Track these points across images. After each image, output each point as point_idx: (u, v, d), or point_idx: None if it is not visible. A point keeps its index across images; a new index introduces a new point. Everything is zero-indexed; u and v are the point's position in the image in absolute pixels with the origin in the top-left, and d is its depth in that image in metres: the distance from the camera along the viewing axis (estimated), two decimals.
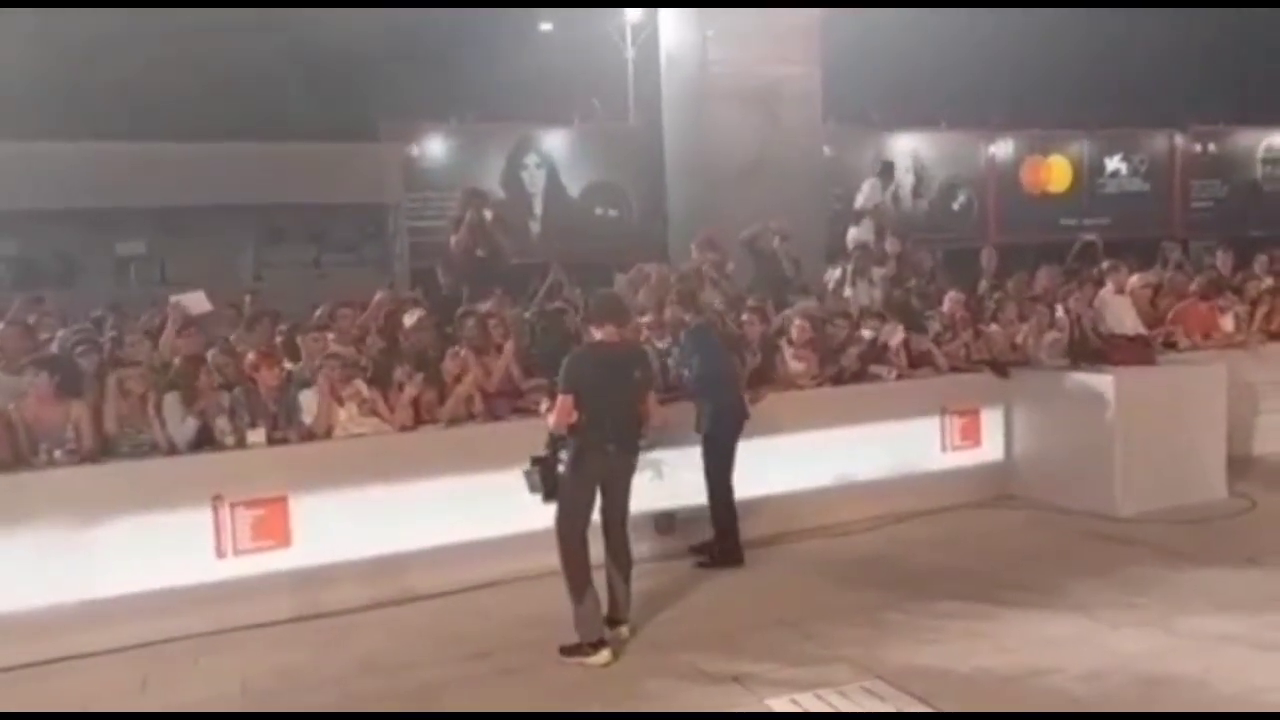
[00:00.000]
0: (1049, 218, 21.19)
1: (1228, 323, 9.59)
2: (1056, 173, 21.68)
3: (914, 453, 7.83)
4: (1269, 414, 9.29)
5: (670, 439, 6.59)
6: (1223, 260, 10.74)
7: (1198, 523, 7.28)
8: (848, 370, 7.85)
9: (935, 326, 8.25)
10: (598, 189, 18.09)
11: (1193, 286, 9.99)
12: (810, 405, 7.51)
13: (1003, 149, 21.40)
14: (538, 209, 17.77)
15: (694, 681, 5.02)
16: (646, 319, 7.61)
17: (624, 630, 5.64)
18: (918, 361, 8.08)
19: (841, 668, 5.04)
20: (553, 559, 5.71)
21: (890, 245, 10.08)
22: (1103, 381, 7.69)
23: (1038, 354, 8.36)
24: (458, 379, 6.85)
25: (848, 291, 9.28)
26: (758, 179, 12.06)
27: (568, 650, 5.39)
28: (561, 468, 5.49)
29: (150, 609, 5.76)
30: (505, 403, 6.94)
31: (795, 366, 7.64)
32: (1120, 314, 8.91)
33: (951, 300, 8.54)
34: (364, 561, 6.26)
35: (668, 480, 6.71)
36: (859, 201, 11.22)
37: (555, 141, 18.23)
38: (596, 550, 5.62)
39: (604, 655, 5.35)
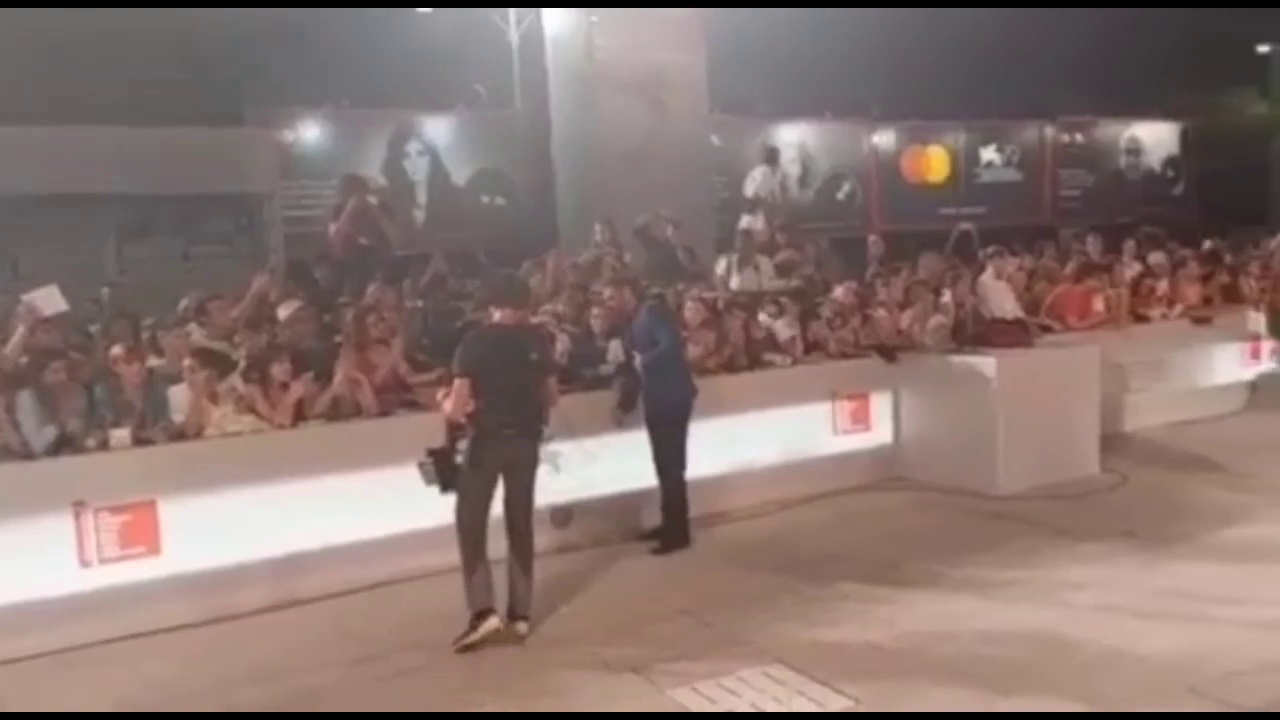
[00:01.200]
0: (928, 207, 21.66)
1: (1099, 305, 9.92)
2: (935, 163, 22.18)
3: (806, 437, 7.87)
4: (1137, 392, 9.68)
5: (567, 431, 6.49)
6: (1093, 245, 11.14)
7: (1076, 498, 7.52)
8: (740, 355, 7.84)
9: (826, 313, 8.32)
10: (484, 177, 17.67)
11: (1066, 270, 10.33)
12: (705, 392, 7.45)
13: (884, 139, 21.79)
14: (421, 198, 17.30)
15: (594, 674, 4.91)
16: (549, 307, 7.50)
17: (522, 626, 5.49)
18: (810, 348, 8.14)
19: (743, 654, 5.01)
20: (447, 556, 5.62)
21: (779, 236, 10.15)
22: (984, 364, 7.87)
23: (923, 339, 8.51)
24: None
25: (735, 280, 9.28)
26: (646, 167, 12.00)
27: (460, 639, 5.27)
28: (459, 458, 5.36)
29: (7, 625, 5.36)
30: (394, 397, 6.71)
31: (691, 351, 7.58)
32: (1000, 299, 9.15)
33: (845, 289, 8.63)
34: (244, 566, 5.95)
35: (564, 473, 6.59)
36: (750, 189, 11.27)
37: (438, 128, 17.75)
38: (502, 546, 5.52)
39: (491, 622, 5.29)
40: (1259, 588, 5.57)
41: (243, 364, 6.53)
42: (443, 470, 5.37)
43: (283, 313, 7.17)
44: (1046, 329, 9.37)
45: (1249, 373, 10.58)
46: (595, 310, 7.42)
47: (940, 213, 21.48)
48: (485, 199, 17.71)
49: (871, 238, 10.84)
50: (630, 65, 12.14)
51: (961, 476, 7.80)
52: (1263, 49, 23.86)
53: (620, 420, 6.83)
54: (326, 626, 5.74)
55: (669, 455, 6.71)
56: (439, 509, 5.66)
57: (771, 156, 12.23)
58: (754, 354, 7.92)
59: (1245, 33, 22.96)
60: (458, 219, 16.78)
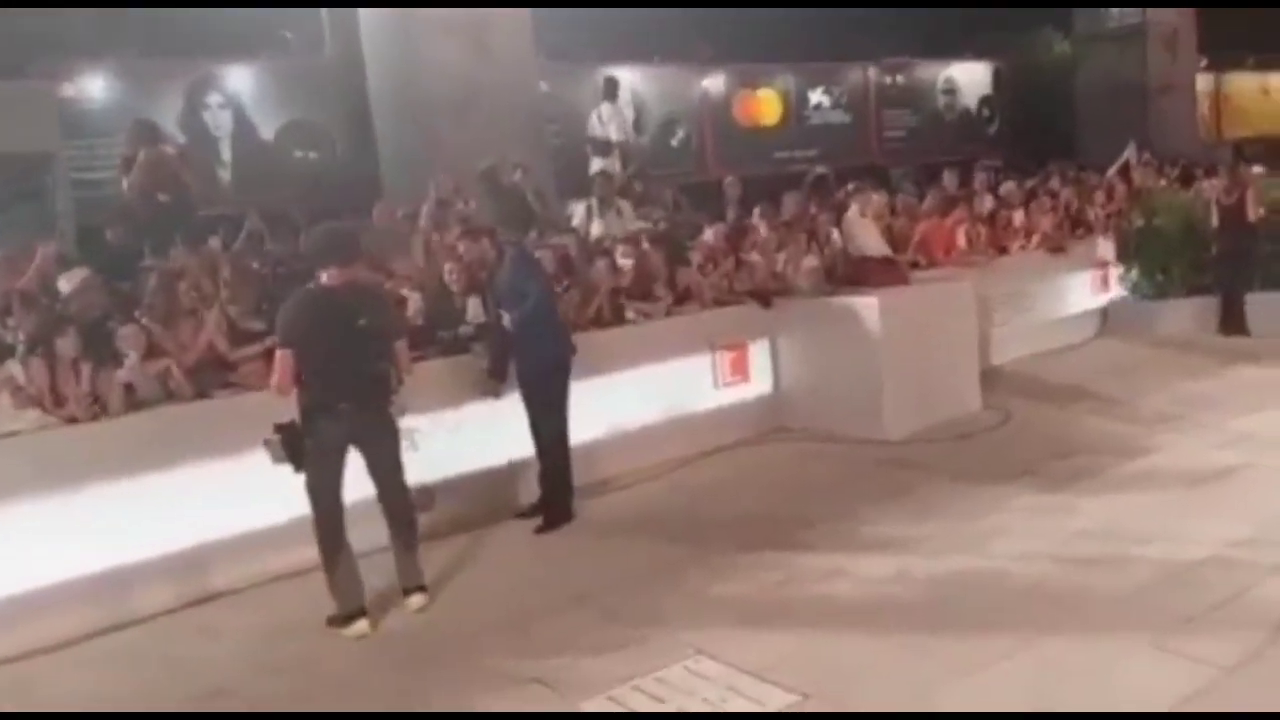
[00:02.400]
0: (763, 150, 21.42)
1: (961, 239, 9.72)
2: (767, 106, 21.92)
3: (686, 393, 7.28)
4: (1001, 326, 9.53)
5: (424, 402, 5.67)
6: (949, 179, 10.97)
7: (964, 439, 7.24)
8: (605, 309, 7.15)
9: (697, 258, 7.71)
10: (295, 129, 16.13)
11: (925, 206, 10.09)
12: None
13: (715, 83, 21.37)
14: (226, 154, 15.73)
15: (490, 690, 4.15)
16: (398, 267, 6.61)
17: (416, 599, 5.00)
18: (682, 296, 7.52)
19: (657, 647, 4.35)
20: (296, 555, 5.05)
21: (636, 182, 9.50)
22: (866, 305, 7.46)
23: (797, 281, 8.03)
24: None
25: (596, 226, 8.56)
26: (472, 114, 11.12)
27: (331, 620, 4.83)
28: None
29: None
30: (213, 376, 5.70)
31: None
32: (866, 236, 8.77)
33: (714, 232, 8.04)
34: (41, 592, 4.88)
35: (423, 450, 5.75)
36: (599, 130, 10.54)
37: (241, 78, 16.13)
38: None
39: (359, 627, 4.77)
40: (1172, 522, 5.30)
41: (21, 348, 5.39)
42: (292, 447, 4.67)
43: (65, 285, 6.01)
44: (914, 265, 9.07)
45: (1100, 300, 10.67)
46: (449, 265, 6.55)
47: (775, 156, 21.30)
48: (298, 153, 16.24)
49: (728, 179, 10.31)
50: (450, 7, 11.15)
51: (847, 423, 7.39)
52: None
53: (495, 391, 6.06)
54: (154, 654, 4.79)
55: (550, 422, 5.99)
56: (284, 501, 4.89)
57: (611, 89, 11.51)
58: (622, 304, 7.24)
59: None
60: (268, 176, 15.29)
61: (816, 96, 22.88)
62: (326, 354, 4.70)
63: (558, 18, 15.15)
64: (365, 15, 12.00)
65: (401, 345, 5.07)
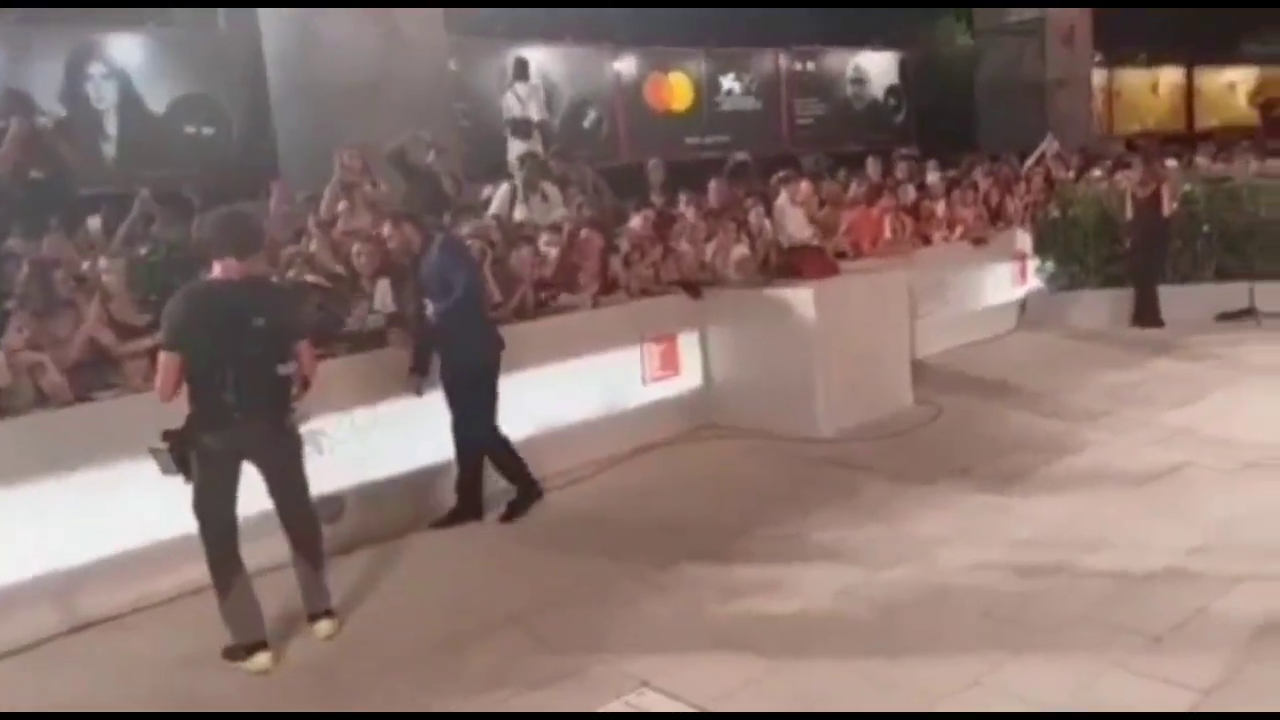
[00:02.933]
0: (674, 135, 21.17)
1: (887, 229, 9.56)
2: (678, 91, 21.66)
3: (614, 388, 6.92)
4: (925, 317, 9.40)
5: (330, 403, 5.21)
6: (873, 168, 10.80)
7: (898, 436, 7.05)
8: (530, 300, 6.74)
9: (624, 246, 7.33)
10: (187, 104, 15.20)
11: (850, 194, 9.91)
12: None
13: (627, 66, 21.00)
14: (111, 129, 14.73)
15: None
16: (293, 250, 6.06)
17: (324, 626, 4.54)
18: (609, 287, 7.14)
19: (597, 678, 3.99)
20: (190, 574, 4.56)
21: (554, 163, 9.07)
22: (801, 296, 7.19)
23: (726, 271, 7.73)
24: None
25: (520, 211, 8.11)
26: (377, 90, 10.55)
27: (227, 652, 4.34)
28: None
29: None
30: (96, 375, 5.13)
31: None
32: (798, 224, 8.56)
33: (643, 219, 7.68)
34: None
35: (329, 456, 5.30)
36: (517, 110, 10.05)
37: (127, 48, 15.12)
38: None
39: (260, 661, 4.29)
40: (1119, 528, 5.12)
41: None
42: (183, 456, 4.20)
43: None
44: (840, 255, 8.87)
45: (1019, 292, 10.66)
46: (358, 246, 6.05)
47: (686, 141, 21.06)
48: (190, 129, 15.33)
49: (652, 162, 9.94)
50: None
51: (779, 420, 7.12)
52: None
53: (417, 388, 5.61)
54: (24, 689, 4.25)
55: (480, 422, 5.59)
56: (176, 514, 4.38)
57: (522, 69, 11.06)
58: (546, 296, 6.84)
59: None
60: (157, 153, 14.37)
61: (728, 82, 22.70)
62: (217, 358, 4.19)
63: None
64: None
65: (305, 346, 4.57)
